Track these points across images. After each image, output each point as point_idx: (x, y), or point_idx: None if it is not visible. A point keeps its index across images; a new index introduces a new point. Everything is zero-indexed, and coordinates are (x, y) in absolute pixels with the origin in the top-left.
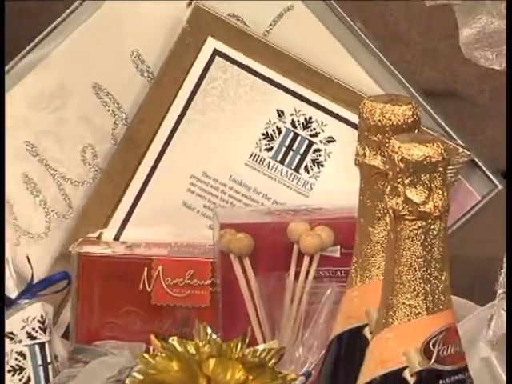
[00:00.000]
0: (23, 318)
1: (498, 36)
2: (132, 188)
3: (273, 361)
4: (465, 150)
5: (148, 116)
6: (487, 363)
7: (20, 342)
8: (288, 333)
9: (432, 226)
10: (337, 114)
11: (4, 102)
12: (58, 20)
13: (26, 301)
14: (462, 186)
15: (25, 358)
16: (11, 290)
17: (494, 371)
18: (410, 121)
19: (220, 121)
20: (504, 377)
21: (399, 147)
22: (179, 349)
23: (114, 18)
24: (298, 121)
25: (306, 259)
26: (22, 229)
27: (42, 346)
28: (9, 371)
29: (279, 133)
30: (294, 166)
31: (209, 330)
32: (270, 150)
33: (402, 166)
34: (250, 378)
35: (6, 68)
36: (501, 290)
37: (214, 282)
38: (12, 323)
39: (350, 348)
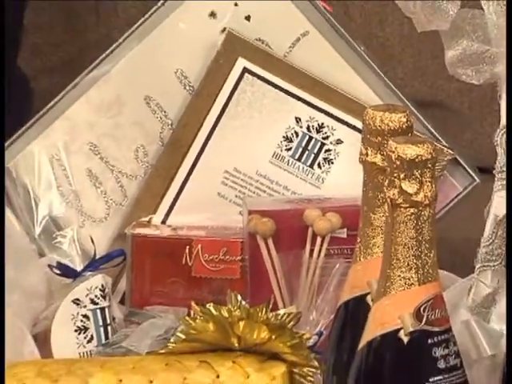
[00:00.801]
0: (87, 287)
1: (477, 56)
2: (176, 181)
3: (291, 323)
4: (449, 150)
5: (190, 122)
6: (467, 325)
7: (85, 306)
8: (304, 300)
9: (423, 213)
10: (344, 121)
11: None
12: (115, 45)
13: (90, 273)
14: (447, 180)
15: (88, 319)
16: (77, 264)
17: (473, 331)
18: (404, 126)
19: (248, 126)
20: (481, 336)
21: (396, 147)
22: (214, 313)
23: (162, 43)
24: (313, 126)
25: (319, 240)
26: (87, 214)
27: (102, 310)
28: (75, 331)
29: (297, 136)
30: (308, 163)
31: (239, 298)
32: (289, 149)
33: (398, 163)
34: (273, 337)
35: (74, 82)
36: (478, 265)
37: (243, 258)
38: (78, 291)
39: (354, 312)
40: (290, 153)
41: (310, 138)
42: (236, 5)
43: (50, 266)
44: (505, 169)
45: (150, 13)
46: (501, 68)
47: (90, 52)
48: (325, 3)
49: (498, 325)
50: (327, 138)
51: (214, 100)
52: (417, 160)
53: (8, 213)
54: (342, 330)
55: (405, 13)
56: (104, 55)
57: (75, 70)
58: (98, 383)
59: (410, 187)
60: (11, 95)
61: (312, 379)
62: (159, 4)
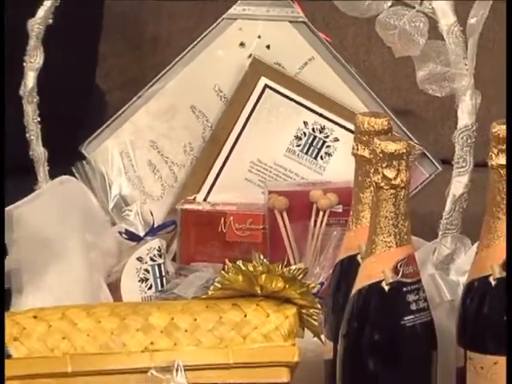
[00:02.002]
0: (147, 248)
1: (440, 76)
2: (214, 169)
3: (301, 276)
4: (418, 146)
5: (224, 125)
6: (432, 277)
7: (146, 263)
8: (310, 258)
9: (399, 193)
10: (340, 124)
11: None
12: (168, 67)
13: (149, 238)
14: (417, 168)
15: (148, 272)
16: (140, 231)
17: (436, 282)
18: (385, 128)
19: (268, 128)
20: (443, 286)
21: (379, 144)
22: (243, 268)
23: (204, 65)
24: (316, 128)
25: (321, 213)
26: (147, 194)
27: (159, 265)
28: (139, 281)
29: (304, 135)
30: (313, 156)
31: (261, 256)
32: (299, 146)
33: (381, 155)
34: (287, 286)
35: (137, 95)
36: (441, 232)
37: (264, 227)
38: (140, 251)
39: (348, 268)
40: (300, 148)
41: (315, 137)
42: (259, 37)
43: (119, 232)
44: (460, 160)
45: (194, 43)
46: (458, 84)
47: (149, 73)
48: (326, 36)
49: (456, 277)
50: (327, 137)
51: (243, 109)
52: (395, 153)
53: (89, 193)
54: (338, 281)
55: (386, 43)
56: (160, 75)
57: (138, 87)
58: (155, 320)
59: (390, 174)
60: (91, 106)
61: (316, 318)
62: (202, 36)
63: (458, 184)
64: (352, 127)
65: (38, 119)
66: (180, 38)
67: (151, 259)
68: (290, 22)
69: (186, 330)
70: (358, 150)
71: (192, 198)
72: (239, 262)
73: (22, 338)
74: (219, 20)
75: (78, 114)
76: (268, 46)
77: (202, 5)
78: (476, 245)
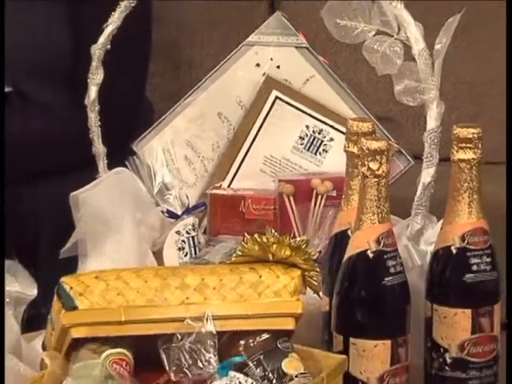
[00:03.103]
0: (184, 224)
1: (413, 89)
2: (236, 162)
3: (304, 245)
4: (395, 145)
5: (244, 128)
6: (406, 247)
7: (182, 235)
8: (311, 232)
9: (381, 181)
10: (334, 127)
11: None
12: (200, 83)
13: (185, 216)
14: (394, 162)
15: (185, 243)
16: (178, 210)
17: (409, 251)
18: (370, 130)
19: (278, 130)
20: (414, 254)
21: (366, 143)
22: (258, 239)
23: (228, 81)
24: (316, 130)
25: (320, 197)
26: (184, 181)
27: (193, 237)
28: (177, 249)
29: (307, 136)
30: (313, 152)
31: (273, 231)
32: (302, 144)
33: (367, 151)
34: (293, 254)
35: (176, 105)
36: (413, 212)
37: (275, 208)
38: (178, 226)
39: (340, 240)
40: (303, 146)
41: (315, 137)
42: (271, 59)
43: (162, 211)
44: (428, 156)
45: (220, 64)
46: (426, 96)
47: (185, 88)
48: (324, 58)
49: (424, 246)
50: (324, 137)
51: (258, 115)
52: (378, 150)
53: (138, 181)
54: (333, 250)
55: (370, 64)
56: (193, 89)
57: (177, 99)
58: (189, 281)
59: (373, 166)
60: (141, 113)
61: (315, 279)
62: (226, 59)
63: (427, 174)
64: (344, 129)
65: (99, 123)
66: (209, 61)
67: (187, 232)
68: (296, 47)
69: (213, 288)
70: (348, 147)
71: (218, 185)
72: (255, 235)
73: (86, 294)
74: (240, 46)
75: (131, 120)
76: (278, 66)
77: (226, 34)
78: (441, 221)
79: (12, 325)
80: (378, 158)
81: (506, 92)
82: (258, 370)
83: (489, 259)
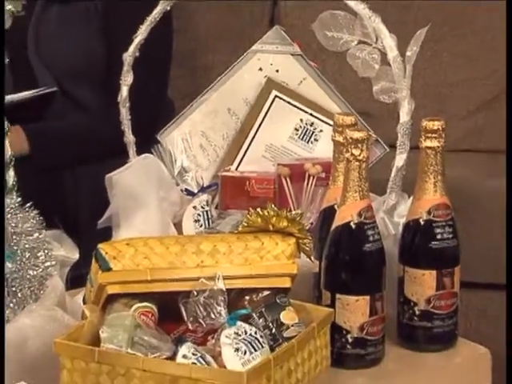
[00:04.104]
0: (199, 200)
1: (388, 89)
2: (242, 149)
3: (298, 218)
4: (374, 135)
5: (248, 121)
6: (383, 220)
7: (198, 210)
8: (304, 207)
9: (362, 165)
10: (324, 120)
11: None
12: (212, 84)
13: (200, 194)
14: (373, 149)
15: (200, 216)
16: (195, 189)
17: (385, 222)
18: (353, 123)
19: (277, 123)
20: (389, 224)
21: (349, 133)
22: (261, 213)
23: (236, 83)
24: (308, 123)
25: (311, 178)
26: (199, 165)
27: (206, 212)
28: (194, 221)
29: (301, 128)
30: (306, 141)
31: (273, 206)
32: (297, 134)
33: (351, 140)
34: (289, 224)
35: (192, 102)
36: (388, 190)
37: (275, 187)
38: (195, 202)
39: (328, 214)
40: (297, 136)
41: (307, 129)
42: (271, 64)
43: (181, 190)
44: (401, 144)
45: (229, 69)
46: (400, 95)
47: (200, 88)
48: (315, 63)
49: (397, 219)
50: (315, 129)
51: (260, 111)
52: (359, 139)
53: (162, 165)
54: (322, 222)
55: (353, 68)
56: (207, 90)
57: (193, 96)
58: (204, 247)
59: (356, 152)
60: (164, 109)
61: (308, 245)
62: (234, 65)
63: (400, 159)
64: (331, 122)
65: (129, 117)
66: (220, 66)
67: (202, 207)
68: (291, 54)
69: (224, 253)
70: (335, 137)
71: (228, 168)
72: (258, 209)
73: (118, 258)
74: (245, 54)
75: (155, 114)
76: (277, 70)
77: (234, 44)
78: (411, 198)
79: (58, 283)
80: (359, 145)
81: (506, 92)
82: (261, 321)
83: (451, 229)
